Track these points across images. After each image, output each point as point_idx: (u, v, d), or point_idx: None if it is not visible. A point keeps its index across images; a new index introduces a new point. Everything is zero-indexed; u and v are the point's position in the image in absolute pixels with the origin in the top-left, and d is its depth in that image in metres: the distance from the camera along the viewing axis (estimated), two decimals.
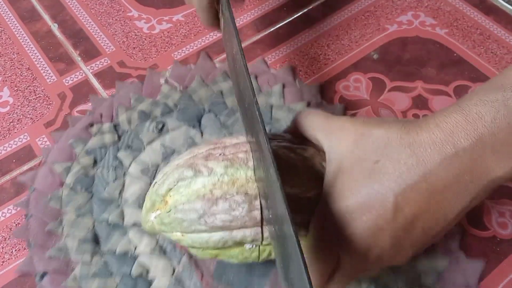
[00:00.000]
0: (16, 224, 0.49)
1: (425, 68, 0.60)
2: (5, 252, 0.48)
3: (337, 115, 0.54)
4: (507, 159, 0.29)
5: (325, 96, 0.58)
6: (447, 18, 0.65)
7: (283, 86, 0.58)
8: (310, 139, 0.38)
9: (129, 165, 0.52)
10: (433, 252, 0.45)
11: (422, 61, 0.61)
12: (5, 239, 0.49)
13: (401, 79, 0.59)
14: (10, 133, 0.56)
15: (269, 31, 0.65)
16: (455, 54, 0.61)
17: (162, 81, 0.60)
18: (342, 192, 0.32)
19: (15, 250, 0.48)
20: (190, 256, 0.46)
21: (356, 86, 0.58)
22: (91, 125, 0.55)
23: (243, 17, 0.66)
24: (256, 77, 0.59)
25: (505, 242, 0.47)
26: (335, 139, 0.34)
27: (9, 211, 0.50)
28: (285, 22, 0.66)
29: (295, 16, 0.66)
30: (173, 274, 0.45)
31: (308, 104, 0.56)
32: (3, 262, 0.47)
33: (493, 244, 0.47)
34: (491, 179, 0.30)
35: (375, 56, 0.61)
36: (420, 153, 0.30)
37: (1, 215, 0.50)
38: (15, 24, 0.67)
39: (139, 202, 0.49)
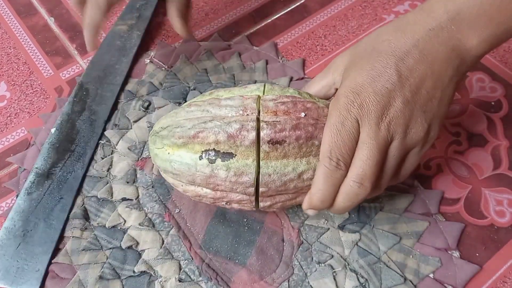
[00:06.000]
0: None
1: None
2: None
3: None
4: (480, 29, 0.36)
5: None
6: None
7: (266, 63, 0.59)
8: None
9: (117, 143, 0.52)
10: (413, 216, 0.46)
11: None
12: None
13: None
14: (7, 127, 0.56)
15: (266, 22, 0.64)
16: None
17: (147, 60, 0.60)
18: (349, 78, 0.37)
19: None
20: (179, 228, 0.46)
21: None
22: None
23: (240, 9, 0.66)
24: (239, 54, 0.60)
25: (503, 230, 0.46)
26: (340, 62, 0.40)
27: (7, 205, 0.49)
28: (282, 13, 0.65)
29: (292, 7, 0.66)
30: (162, 245, 0.45)
31: (291, 79, 0.57)
32: None
33: (490, 232, 0.46)
34: (469, 48, 0.36)
35: None
36: (407, 29, 0.37)
37: (0, 209, 0.49)
38: (12, 19, 0.68)
39: (127, 178, 0.49)
